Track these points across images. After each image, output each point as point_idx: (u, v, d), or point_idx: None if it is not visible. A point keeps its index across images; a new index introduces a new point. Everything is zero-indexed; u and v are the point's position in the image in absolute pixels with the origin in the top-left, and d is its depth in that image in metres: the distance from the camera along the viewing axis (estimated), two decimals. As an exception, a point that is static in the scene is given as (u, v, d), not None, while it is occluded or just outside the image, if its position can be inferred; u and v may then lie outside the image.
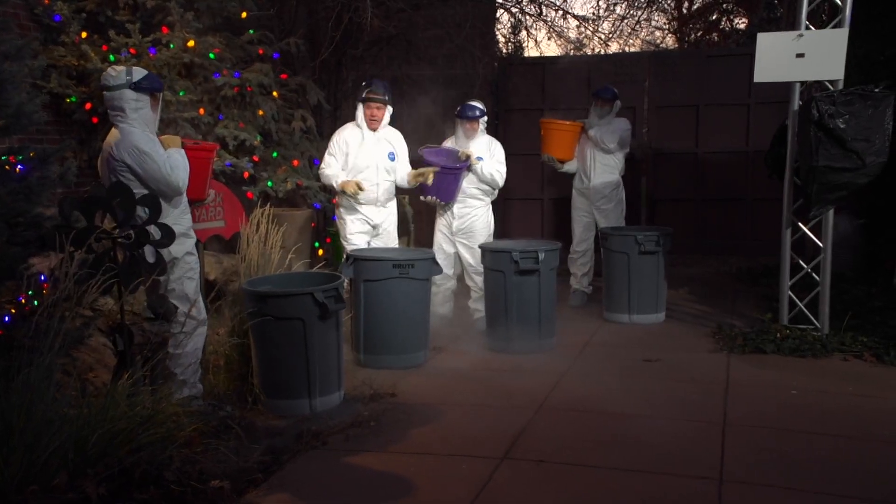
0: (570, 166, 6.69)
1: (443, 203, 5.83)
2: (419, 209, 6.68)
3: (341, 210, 5.50)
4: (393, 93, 5.58)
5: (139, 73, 3.91)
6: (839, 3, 5.13)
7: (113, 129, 3.92)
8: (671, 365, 4.91)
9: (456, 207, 5.85)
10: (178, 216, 3.97)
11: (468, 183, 5.80)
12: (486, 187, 5.86)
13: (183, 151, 4.03)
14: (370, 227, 5.47)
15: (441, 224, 5.95)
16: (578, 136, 6.57)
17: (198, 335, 4.04)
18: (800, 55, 5.06)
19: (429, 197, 5.78)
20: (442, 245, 5.90)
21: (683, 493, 3.14)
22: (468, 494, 3.12)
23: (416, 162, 5.69)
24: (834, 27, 5.15)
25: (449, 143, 5.98)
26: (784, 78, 5.21)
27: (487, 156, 5.80)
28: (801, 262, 5.50)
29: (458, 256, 5.93)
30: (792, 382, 4.50)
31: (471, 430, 3.83)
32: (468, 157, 5.69)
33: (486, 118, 5.91)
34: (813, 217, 5.24)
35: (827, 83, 5.16)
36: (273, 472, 3.36)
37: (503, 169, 5.86)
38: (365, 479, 3.33)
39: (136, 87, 3.86)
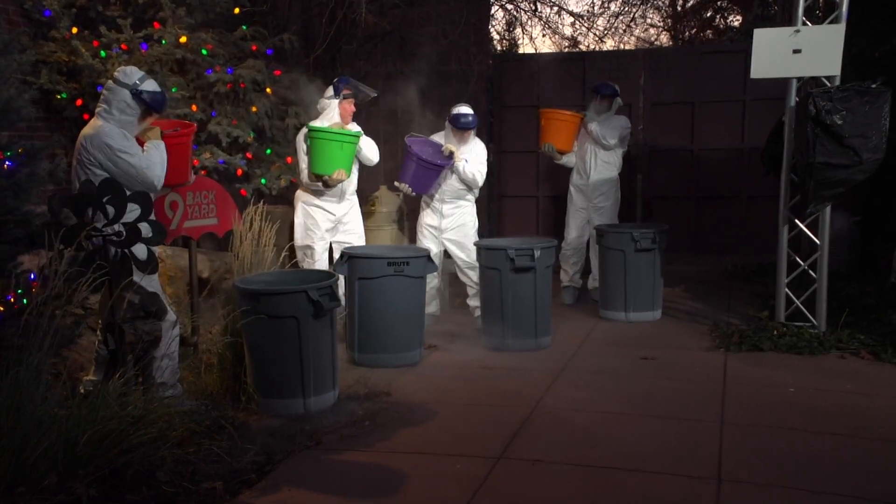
0: (567, 159, 6.64)
1: (413, 194, 5.79)
2: (414, 207, 6.63)
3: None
4: (387, 89, 5.55)
5: (150, 84, 3.89)
6: (836, -2, 5.11)
7: (92, 121, 3.88)
8: (668, 363, 4.89)
9: (445, 207, 5.81)
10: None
11: (455, 182, 5.74)
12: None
13: (162, 145, 3.98)
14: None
15: (427, 223, 5.88)
16: (578, 127, 6.53)
17: (171, 337, 3.98)
18: (797, 51, 5.04)
19: (403, 184, 5.73)
20: (428, 244, 5.82)
21: (681, 492, 3.11)
22: (464, 494, 3.09)
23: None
24: (830, 23, 5.13)
25: (436, 138, 5.91)
26: (781, 74, 5.18)
27: (472, 156, 5.73)
28: (798, 259, 5.48)
29: (444, 255, 5.88)
30: (789, 380, 4.49)
31: (466, 430, 3.80)
32: (452, 153, 5.65)
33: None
34: (810, 214, 5.22)
35: (824, 79, 5.14)
36: (267, 472, 3.32)
37: (484, 169, 5.78)
38: (359, 478, 3.30)
39: (136, 94, 3.83)
